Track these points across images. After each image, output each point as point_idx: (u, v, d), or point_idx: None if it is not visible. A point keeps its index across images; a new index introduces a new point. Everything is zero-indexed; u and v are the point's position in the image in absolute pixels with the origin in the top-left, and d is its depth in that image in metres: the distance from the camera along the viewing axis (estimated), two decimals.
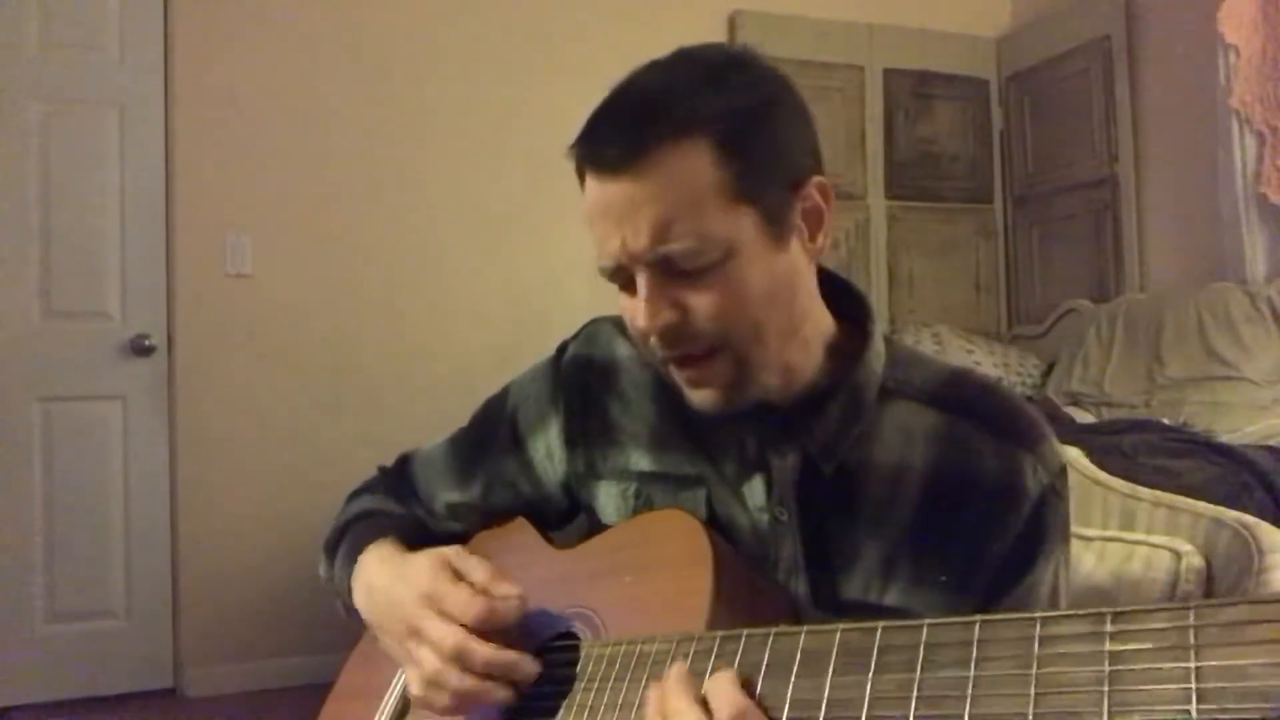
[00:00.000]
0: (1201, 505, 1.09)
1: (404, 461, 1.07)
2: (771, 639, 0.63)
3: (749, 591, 0.78)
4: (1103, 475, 1.20)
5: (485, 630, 0.79)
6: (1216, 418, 2.99)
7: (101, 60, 3.24)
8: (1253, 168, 3.42)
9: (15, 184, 3.13)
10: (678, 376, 0.81)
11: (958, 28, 4.40)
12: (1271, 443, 2.69)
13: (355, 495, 1.07)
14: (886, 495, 0.80)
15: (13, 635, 3.06)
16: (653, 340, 0.79)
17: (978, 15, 4.46)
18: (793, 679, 0.60)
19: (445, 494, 1.02)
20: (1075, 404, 3.54)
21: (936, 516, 0.79)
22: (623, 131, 0.76)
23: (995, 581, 0.77)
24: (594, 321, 0.99)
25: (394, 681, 0.92)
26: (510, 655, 0.79)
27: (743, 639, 0.64)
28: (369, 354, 3.45)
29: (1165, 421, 2.87)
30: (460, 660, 0.79)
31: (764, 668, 0.62)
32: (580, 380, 0.94)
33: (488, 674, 0.78)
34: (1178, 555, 1.03)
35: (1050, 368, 3.94)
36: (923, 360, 0.87)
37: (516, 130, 3.65)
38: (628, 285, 0.79)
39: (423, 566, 0.86)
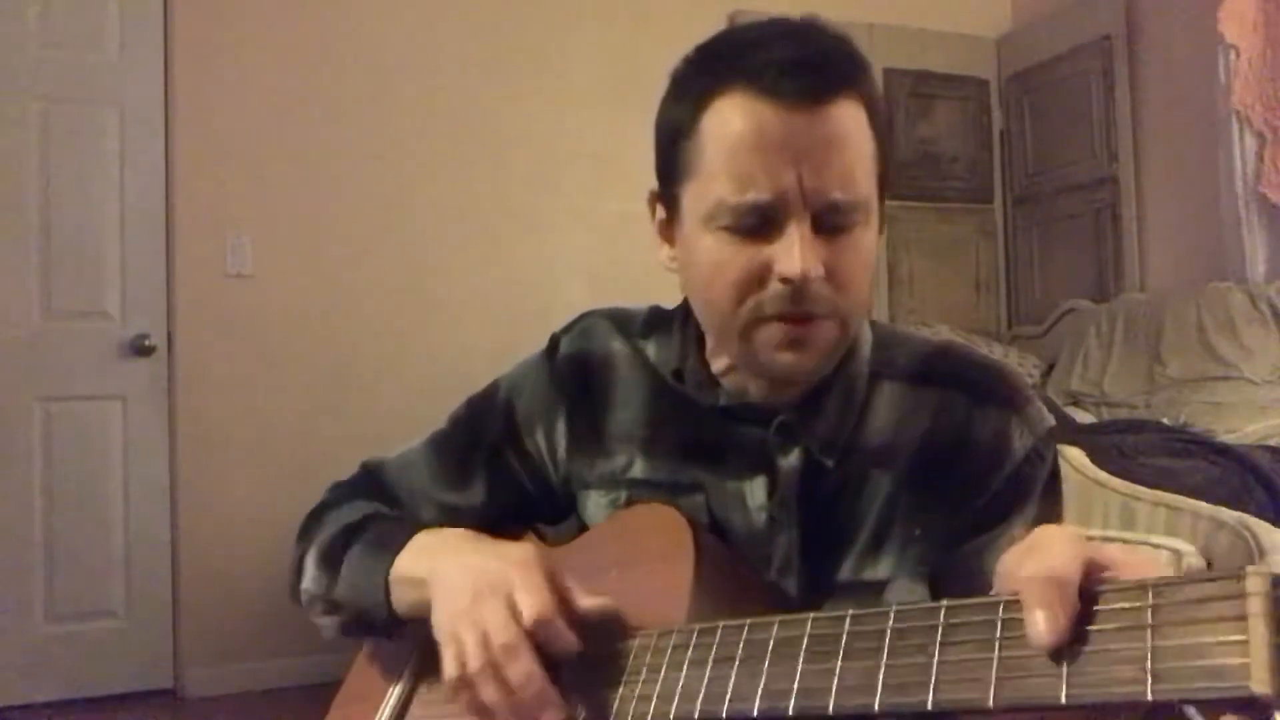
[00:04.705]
0: (1201, 505, 1.09)
1: (372, 471, 0.98)
2: (746, 630, 0.64)
3: (732, 584, 0.78)
4: (1103, 475, 1.20)
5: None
6: (1216, 418, 2.99)
7: (101, 60, 3.24)
8: (1253, 168, 3.42)
9: (15, 184, 3.13)
10: (772, 336, 0.76)
11: (958, 28, 4.39)
12: (1271, 443, 2.69)
13: (326, 509, 0.95)
14: (880, 476, 0.81)
15: (12, 635, 3.06)
16: (755, 300, 0.75)
17: (978, 15, 4.46)
18: (765, 669, 0.60)
19: (440, 496, 0.94)
20: (1075, 404, 3.53)
21: (926, 482, 0.80)
22: (823, 67, 0.74)
23: (969, 531, 0.78)
24: (588, 315, 0.94)
25: (395, 683, 0.92)
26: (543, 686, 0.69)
27: (719, 631, 0.65)
28: (369, 354, 3.45)
29: (1165, 421, 2.87)
30: (512, 654, 0.70)
31: (738, 659, 0.62)
32: (580, 380, 0.91)
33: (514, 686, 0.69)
34: (1178, 555, 1.03)
35: (1050, 368, 3.94)
36: (904, 338, 0.88)
37: (516, 130, 3.65)
38: (760, 229, 0.74)
39: (521, 548, 0.77)
